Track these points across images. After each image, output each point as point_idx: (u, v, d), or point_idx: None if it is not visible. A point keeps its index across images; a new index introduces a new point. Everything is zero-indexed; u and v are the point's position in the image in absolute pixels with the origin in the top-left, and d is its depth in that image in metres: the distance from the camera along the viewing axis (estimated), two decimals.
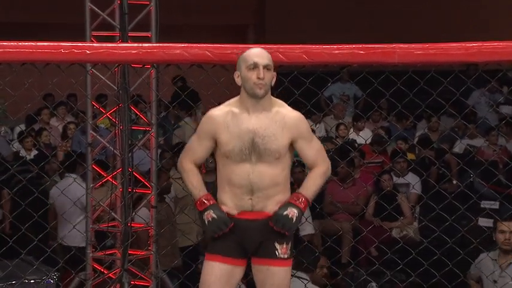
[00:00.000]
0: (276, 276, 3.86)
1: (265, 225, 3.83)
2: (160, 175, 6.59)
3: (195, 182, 3.89)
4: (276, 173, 3.83)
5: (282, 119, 3.82)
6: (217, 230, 3.83)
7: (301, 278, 5.42)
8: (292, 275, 5.01)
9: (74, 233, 6.55)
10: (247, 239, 3.85)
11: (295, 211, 3.82)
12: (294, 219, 3.81)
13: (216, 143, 3.86)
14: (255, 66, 3.75)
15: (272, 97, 3.86)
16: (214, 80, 4.49)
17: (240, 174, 3.81)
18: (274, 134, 3.79)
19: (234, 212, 3.85)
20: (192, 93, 9.61)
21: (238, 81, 3.82)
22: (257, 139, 3.78)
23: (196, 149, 3.91)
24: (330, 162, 3.95)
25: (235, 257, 3.86)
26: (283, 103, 3.90)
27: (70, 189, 6.64)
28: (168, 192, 7.87)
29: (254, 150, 3.78)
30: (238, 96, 3.85)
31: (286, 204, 3.83)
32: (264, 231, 3.83)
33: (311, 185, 3.90)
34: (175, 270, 6.75)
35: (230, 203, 3.86)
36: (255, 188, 3.81)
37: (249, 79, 3.76)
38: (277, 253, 3.85)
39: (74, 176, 7.29)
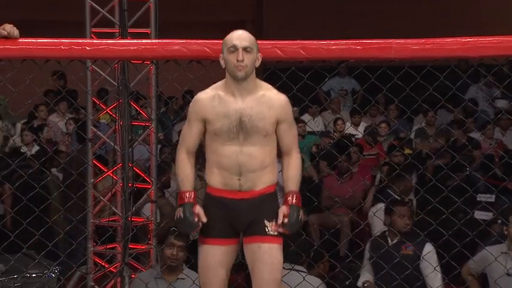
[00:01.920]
0: (268, 254, 3.85)
1: (254, 204, 3.85)
2: (163, 171, 6.60)
3: (183, 174, 3.89)
4: (263, 153, 3.85)
5: (269, 101, 3.84)
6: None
7: (300, 270, 5.42)
8: (290, 269, 5.04)
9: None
10: (237, 218, 3.87)
11: (301, 211, 3.88)
12: (301, 219, 3.89)
13: (205, 125, 3.86)
14: (234, 48, 3.77)
15: (258, 80, 3.88)
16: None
17: (228, 155, 3.82)
18: (261, 112, 3.81)
19: (222, 191, 3.86)
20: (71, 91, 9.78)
21: (222, 63, 3.85)
22: (244, 118, 3.80)
23: (187, 135, 3.91)
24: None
25: (228, 237, 3.88)
26: (270, 86, 3.92)
27: None
28: (168, 187, 7.88)
29: (242, 129, 3.80)
30: (224, 79, 3.87)
31: (290, 208, 3.85)
32: (252, 209, 3.86)
33: (297, 179, 3.93)
34: None
35: (218, 183, 3.87)
36: (243, 170, 3.82)
37: (229, 61, 3.78)
38: (267, 230, 3.86)
39: None
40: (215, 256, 3.87)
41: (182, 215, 3.82)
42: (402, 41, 4.15)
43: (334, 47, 4.14)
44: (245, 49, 3.77)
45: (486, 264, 5.69)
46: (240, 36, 3.81)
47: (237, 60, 3.75)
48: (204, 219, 3.84)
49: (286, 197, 3.89)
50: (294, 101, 4.03)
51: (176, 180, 4.08)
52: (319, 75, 4.84)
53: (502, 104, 11.49)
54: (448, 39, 4.16)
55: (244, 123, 3.80)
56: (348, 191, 8.07)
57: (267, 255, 3.85)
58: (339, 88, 12.06)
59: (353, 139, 9.73)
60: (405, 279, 5.44)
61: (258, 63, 3.84)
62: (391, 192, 6.30)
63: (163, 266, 5.36)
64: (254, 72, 3.83)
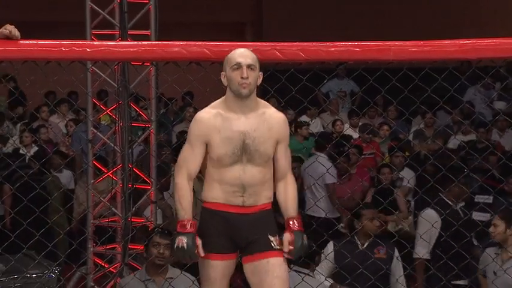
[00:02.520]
0: (278, 268, 3.85)
1: (255, 219, 3.84)
2: (163, 173, 6.61)
3: (184, 202, 3.82)
4: (265, 170, 3.85)
5: (269, 118, 3.84)
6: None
7: (301, 272, 5.43)
8: (290, 269, 5.03)
9: (320, 204, 7.47)
10: (238, 233, 3.85)
11: (304, 236, 3.87)
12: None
13: (207, 148, 3.82)
14: (238, 66, 3.75)
15: (257, 97, 3.86)
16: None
17: (231, 175, 3.81)
18: (263, 136, 3.80)
19: (225, 206, 3.84)
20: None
21: (224, 81, 3.82)
22: (248, 141, 3.79)
23: (190, 159, 3.83)
24: None
25: (229, 253, 3.87)
26: (267, 103, 3.92)
27: (318, 166, 7.10)
28: (167, 189, 7.88)
29: (245, 151, 3.79)
30: (223, 97, 3.85)
31: (294, 234, 3.84)
32: (253, 225, 3.85)
33: (296, 203, 3.93)
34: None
35: (220, 198, 3.84)
36: (247, 186, 3.82)
37: (233, 79, 3.75)
38: (273, 245, 3.86)
39: (322, 155, 8.05)
40: (216, 271, 3.86)
41: (185, 246, 3.77)
42: (401, 43, 4.15)
43: (333, 49, 4.14)
44: (249, 66, 3.75)
45: (485, 264, 5.73)
46: (243, 54, 3.79)
47: (242, 78, 3.73)
48: (202, 254, 3.82)
49: (288, 223, 3.87)
50: (293, 102, 4.04)
51: (174, 203, 4.00)
52: (318, 77, 4.84)
53: (500, 105, 11.50)
54: (446, 41, 4.16)
55: (248, 146, 3.78)
56: (346, 191, 8.08)
57: (277, 269, 3.85)
58: (337, 90, 12.07)
59: (351, 141, 9.73)
60: (379, 283, 5.48)
61: (259, 82, 3.82)
62: (444, 197, 6.30)
63: (153, 267, 5.33)
64: (255, 91, 3.82)
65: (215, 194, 3.85)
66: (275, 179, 3.93)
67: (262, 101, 3.90)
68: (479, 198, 7.34)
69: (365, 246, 5.96)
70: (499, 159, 7.99)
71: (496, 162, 8.14)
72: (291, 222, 3.86)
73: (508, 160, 6.87)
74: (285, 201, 3.91)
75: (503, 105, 11.35)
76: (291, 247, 3.84)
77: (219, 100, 3.86)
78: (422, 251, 6.23)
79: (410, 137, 10.19)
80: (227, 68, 3.79)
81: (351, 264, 5.34)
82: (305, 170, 8.28)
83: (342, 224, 7.52)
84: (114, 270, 6.00)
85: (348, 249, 5.68)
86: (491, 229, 5.75)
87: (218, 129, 3.78)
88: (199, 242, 3.81)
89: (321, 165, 7.17)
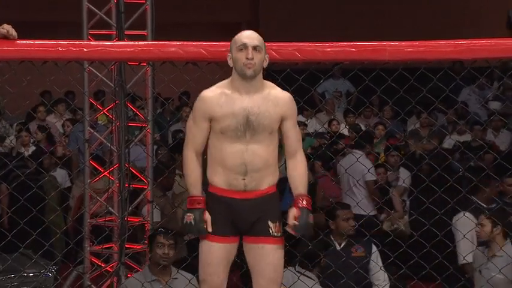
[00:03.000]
0: (271, 255, 3.87)
1: (257, 204, 3.85)
2: (161, 172, 6.60)
3: (192, 177, 3.88)
4: (267, 152, 3.85)
5: (275, 98, 3.85)
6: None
7: (309, 277, 5.44)
8: (285, 267, 5.03)
9: (364, 202, 7.58)
10: (240, 218, 3.86)
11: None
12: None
13: (210, 123, 3.84)
14: (244, 47, 3.77)
15: (263, 79, 3.87)
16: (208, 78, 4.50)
17: (233, 154, 3.81)
18: (267, 110, 3.81)
19: (227, 191, 3.85)
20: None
21: (230, 63, 3.84)
22: (251, 116, 3.79)
23: (195, 134, 3.87)
24: None
25: (230, 235, 3.88)
26: (274, 85, 3.92)
27: (356, 164, 7.04)
28: (170, 189, 7.89)
29: (249, 127, 3.80)
30: (229, 78, 3.87)
31: (301, 210, 3.85)
32: (255, 209, 3.86)
33: (306, 182, 3.93)
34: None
35: (222, 183, 3.85)
36: (249, 169, 3.82)
37: (238, 60, 3.78)
38: (270, 231, 3.87)
39: (360, 152, 7.98)
40: (216, 253, 3.87)
41: (193, 222, 3.83)
42: (396, 43, 4.15)
43: (329, 49, 4.14)
44: (255, 48, 3.77)
45: (474, 263, 5.78)
46: (249, 36, 3.82)
47: (247, 58, 3.75)
48: (210, 229, 3.84)
49: (297, 200, 3.88)
50: None
51: (184, 181, 4.03)
52: (314, 77, 4.84)
53: (494, 105, 11.51)
54: (442, 42, 4.16)
55: (251, 122, 3.79)
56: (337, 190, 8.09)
57: (270, 256, 3.87)
58: (333, 90, 12.07)
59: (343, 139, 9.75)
60: (359, 281, 5.49)
61: (265, 64, 3.84)
62: (476, 200, 6.32)
63: (158, 267, 5.34)
64: (261, 72, 3.83)
65: (218, 178, 3.86)
66: (286, 157, 3.94)
67: (269, 83, 3.91)
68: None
69: (342, 246, 6.00)
70: (494, 158, 7.99)
71: (492, 161, 8.15)
72: (299, 199, 3.87)
73: (503, 160, 6.87)
74: (294, 178, 3.92)
75: (498, 105, 11.35)
76: (296, 222, 3.85)
77: (224, 81, 3.88)
78: (469, 255, 6.11)
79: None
80: (233, 48, 3.81)
81: (331, 264, 5.35)
82: (342, 169, 8.11)
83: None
84: (110, 270, 6.00)
85: (325, 251, 5.72)
86: (476, 229, 5.80)
87: (221, 105, 3.80)
88: (207, 217, 3.84)
89: (359, 163, 7.10)
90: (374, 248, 5.94)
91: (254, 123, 3.80)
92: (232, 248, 3.91)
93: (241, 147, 3.81)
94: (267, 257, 3.87)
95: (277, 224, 3.89)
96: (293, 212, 3.86)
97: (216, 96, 3.83)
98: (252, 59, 3.75)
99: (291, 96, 3.90)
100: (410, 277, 5.40)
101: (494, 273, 5.51)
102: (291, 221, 3.86)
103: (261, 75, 3.84)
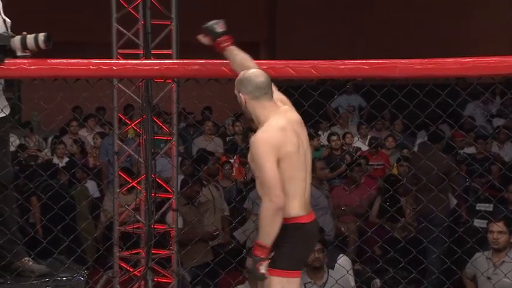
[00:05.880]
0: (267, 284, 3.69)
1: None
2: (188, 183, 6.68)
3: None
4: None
5: None
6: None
7: None
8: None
9: None
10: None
11: (258, 261, 3.58)
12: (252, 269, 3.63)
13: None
14: None
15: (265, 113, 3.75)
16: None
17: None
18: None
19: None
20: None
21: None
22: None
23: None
24: (272, 192, 3.50)
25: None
26: (269, 122, 3.73)
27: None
28: (193, 199, 7.94)
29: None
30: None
31: (251, 257, 3.64)
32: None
33: (261, 227, 3.57)
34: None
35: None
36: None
37: None
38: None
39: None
40: None
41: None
42: (406, 60, 4.15)
43: (342, 67, 4.14)
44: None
45: (475, 268, 5.73)
46: None
47: None
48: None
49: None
50: (305, 116, 4.04)
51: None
52: (329, 92, 4.84)
53: (498, 122, 11.51)
54: (449, 60, 4.16)
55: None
56: (355, 200, 8.08)
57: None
58: (346, 105, 12.08)
59: (359, 152, 9.76)
60: None
61: (241, 102, 3.76)
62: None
63: (311, 270, 5.63)
64: (254, 111, 3.73)
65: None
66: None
67: (269, 120, 3.72)
68: (481, 206, 7.33)
69: None
70: (499, 169, 7.97)
71: (497, 172, 8.13)
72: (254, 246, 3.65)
73: (507, 171, 6.85)
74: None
75: (501, 121, 11.34)
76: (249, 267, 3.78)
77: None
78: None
79: (415, 149, 10.18)
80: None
81: None
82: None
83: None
84: (138, 274, 6.01)
85: None
86: (494, 235, 5.72)
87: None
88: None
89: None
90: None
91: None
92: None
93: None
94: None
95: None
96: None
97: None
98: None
99: (253, 139, 3.61)
100: (420, 281, 5.39)
101: (504, 278, 5.45)
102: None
103: (255, 114, 3.72)
